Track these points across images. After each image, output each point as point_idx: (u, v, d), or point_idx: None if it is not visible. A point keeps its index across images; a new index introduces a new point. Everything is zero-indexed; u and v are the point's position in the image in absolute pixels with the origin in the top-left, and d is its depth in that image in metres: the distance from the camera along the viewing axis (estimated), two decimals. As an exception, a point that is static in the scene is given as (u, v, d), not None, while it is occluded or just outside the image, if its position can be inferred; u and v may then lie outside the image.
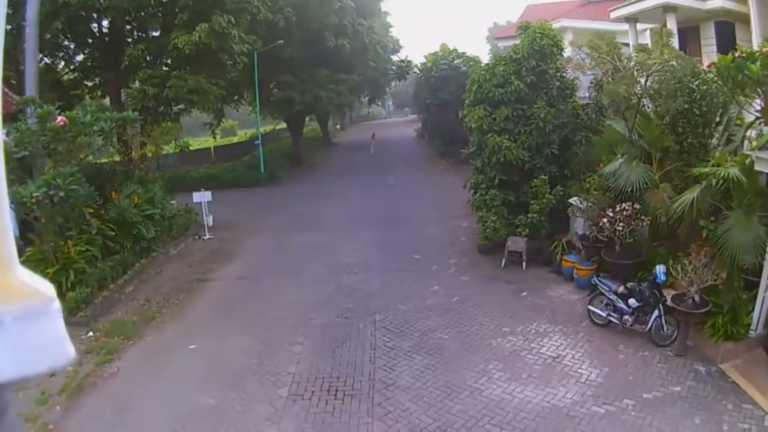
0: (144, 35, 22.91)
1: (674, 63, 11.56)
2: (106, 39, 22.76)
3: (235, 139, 43.85)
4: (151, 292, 14.51)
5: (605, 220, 11.88)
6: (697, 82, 11.54)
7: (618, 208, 11.95)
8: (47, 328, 0.69)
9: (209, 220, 20.90)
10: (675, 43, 16.52)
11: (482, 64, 16.18)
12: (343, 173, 29.82)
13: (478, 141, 15.34)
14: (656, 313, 10.31)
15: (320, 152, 37.29)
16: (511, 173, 14.98)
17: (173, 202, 20.90)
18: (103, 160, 18.96)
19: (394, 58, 38.21)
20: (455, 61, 27.52)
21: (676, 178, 11.98)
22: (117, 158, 19.86)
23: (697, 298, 9.91)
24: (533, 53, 15.22)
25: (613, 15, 20.58)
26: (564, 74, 16.06)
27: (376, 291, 13.92)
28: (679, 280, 10.05)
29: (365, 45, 30.75)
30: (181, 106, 21.76)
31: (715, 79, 11.92)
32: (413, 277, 14.55)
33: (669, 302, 10.22)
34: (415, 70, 31.18)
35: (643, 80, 11.71)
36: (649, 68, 11.48)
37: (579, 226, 14.29)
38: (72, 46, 24.05)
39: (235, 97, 32.59)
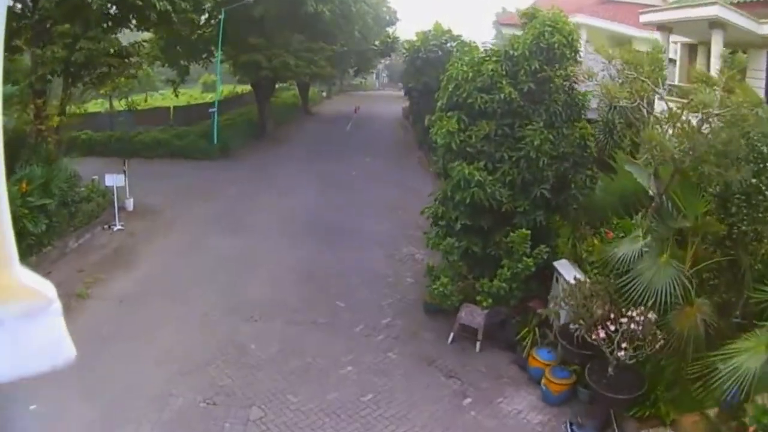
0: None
1: (747, 111, 6.81)
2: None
3: (209, 98, 38.35)
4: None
5: (603, 333, 7.35)
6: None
7: (623, 318, 7.38)
8: (47, 328, 0.66)
9: (129, 204, 16.78)
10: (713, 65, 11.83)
11: (464, 57, 11.23)
12: (307, 154, 24.80)
13: (443, 164, 10.63)
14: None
15: (293, 123, 31.97)
16: (481, 217, 10.33)
17: (95, 177, 16.56)
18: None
19: (390, 30, 32.66)
20: (448, 44, 22.33)
21: (715, 280, 7.45)
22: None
23: None
24: (537, 52, 10.51)
25: (643, 19, 15.82)
26: (574, 84, 11.41)
27: (269, 360, 9.53)
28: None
29: (351, 13, 25.34)
30: (104, 69, 16.50)
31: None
32: (325, 343, 10.06)
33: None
34: (402, 49, 25.83)
35: (705, 130, 6.91)
36: (710, 114, 6.72)
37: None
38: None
39: (204, 55, 27.32)
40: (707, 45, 13.58)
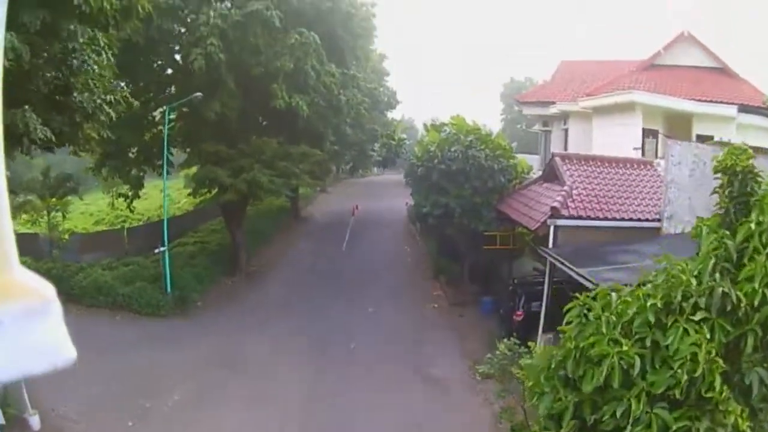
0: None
1: None
2: None
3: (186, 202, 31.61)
4: None
5: None
6: None
7: None
8: (47, 328, 0.63)
9: (35, 422, 11.50)
10: None
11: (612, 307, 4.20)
12: (291, 302, 17.50)
13: None
14: None
15: (277, 239, 24.83)
16: None
17: None
18: None
19: (389, 115, 26.34)
20: (472, 148, 15.48)
21: None
22: None
23: None
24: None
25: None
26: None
27: None
28: None
29: (340, 104, 18.89)
30: None
31: None
32: None
33: None
34: (411, 156, 18.97)
35: None
36: None
37: None
38: None
39: (159, 162, 20.81)
40: None
